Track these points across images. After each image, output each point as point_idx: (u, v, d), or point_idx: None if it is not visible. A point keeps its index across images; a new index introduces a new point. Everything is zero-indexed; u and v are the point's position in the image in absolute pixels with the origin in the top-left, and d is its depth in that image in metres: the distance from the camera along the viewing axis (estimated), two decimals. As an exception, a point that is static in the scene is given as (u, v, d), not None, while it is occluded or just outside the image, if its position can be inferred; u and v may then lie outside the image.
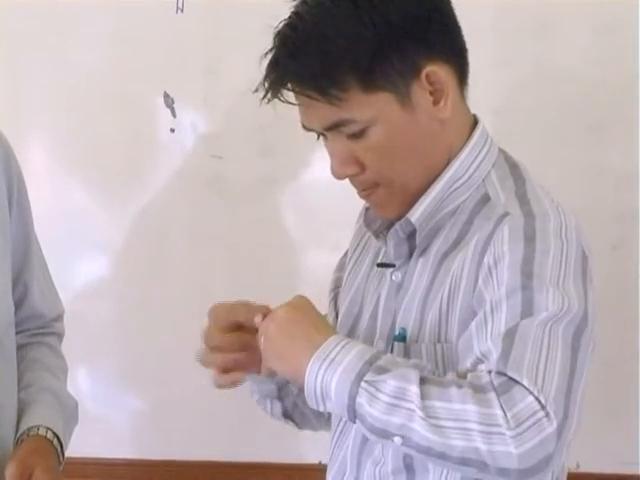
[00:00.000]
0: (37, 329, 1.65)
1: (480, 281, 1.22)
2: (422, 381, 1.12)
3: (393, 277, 1.34)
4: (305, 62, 1.23)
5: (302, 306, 1.25)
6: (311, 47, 1.22)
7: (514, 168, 1.33)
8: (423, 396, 1.11)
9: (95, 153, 2.41)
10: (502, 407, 1.09)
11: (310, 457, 2.31)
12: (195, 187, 2.40)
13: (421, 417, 1.10)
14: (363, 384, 1.14)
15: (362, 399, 1.14)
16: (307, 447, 2.35)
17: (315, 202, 2.35)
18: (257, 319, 1.27)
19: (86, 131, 2.40)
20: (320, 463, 2.19)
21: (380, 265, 1.37)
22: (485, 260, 1.23)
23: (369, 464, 1.32)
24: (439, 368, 1.26)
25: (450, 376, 1.15)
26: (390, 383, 1.13)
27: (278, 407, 1.47)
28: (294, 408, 1.48)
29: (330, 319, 1.47)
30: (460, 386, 1.12)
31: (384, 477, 1.30)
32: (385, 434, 1.14)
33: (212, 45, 2.36)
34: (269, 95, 1.26)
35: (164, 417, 2.45)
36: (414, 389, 1.11)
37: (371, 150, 1.27)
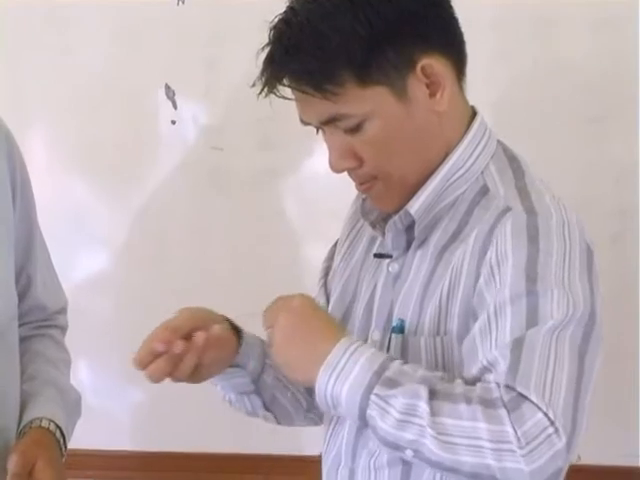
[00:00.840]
0: (40, 321, 1.64)
1: (482, 278, 1.22)
2: (431, 396, 1.12)
3: (390, 268, 1.34)
4: (300, 58, 1.22)
5: (302, 312, 1.24)
6: (306, 43, 1.22)
7: (513, 160, 1.33)
8: (433, 413, 1.11)
9: (96, 145, 2.40)
10: (512, 425, 1.09)
11: (310, 449, 2.30)
12: (196, 179, 2.40)
13: (432, 435, 1.11)
14: (373, 397, 1.14)
15: (373, 412, 1.14)
16: (308, 440, 2.35)
17: (315, 194, 2.34)
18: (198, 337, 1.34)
19: (87, 123, 2.40)
20: (320, 455, 2.19)
21: (377, 256, 1.37)
22: (487, 257, 1.22)
23: (364, 455, 1.32)
24: (438, 361, 1.26)
25: (459, 388, 1.14)
26: (400, 399, 1.13)
27: (258, 401, 1.46)
28: (272, 400, 1.47)
29: (320, 303, 1.45)
30: (470, 400, 1.11)
31: (379, 468, 1.30)
32: (397, 447, 1.15)
33: (213, 37, 2.35)
34: (265, 90, 1.25)
35: (165, 409, 2.45)
36: (424, 406, 1.11)
37: (368, 144, 1.26)
